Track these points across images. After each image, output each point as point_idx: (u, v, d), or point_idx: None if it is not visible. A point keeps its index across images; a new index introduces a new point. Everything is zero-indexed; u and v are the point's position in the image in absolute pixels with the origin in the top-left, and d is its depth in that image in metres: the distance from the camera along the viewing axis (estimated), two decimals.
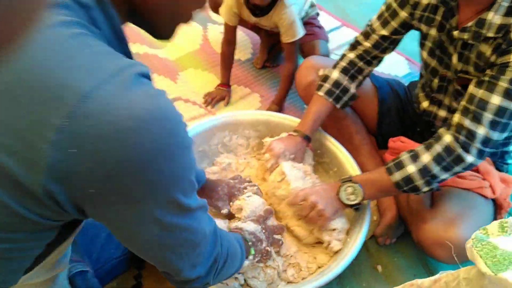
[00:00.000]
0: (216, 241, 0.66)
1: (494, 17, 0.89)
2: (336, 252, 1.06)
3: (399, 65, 1.78)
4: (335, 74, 1.18)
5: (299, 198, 1.04)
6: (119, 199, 0.47)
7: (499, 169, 1.14)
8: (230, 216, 1.10)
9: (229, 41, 1.57)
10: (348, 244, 1.04)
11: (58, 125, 0.41)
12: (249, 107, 1.59)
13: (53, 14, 0.45)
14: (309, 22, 1.61)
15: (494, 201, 1.10)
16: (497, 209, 1.11)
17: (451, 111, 1.11)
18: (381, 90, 1.32)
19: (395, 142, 1.22)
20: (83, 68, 0.43)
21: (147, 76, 0.47)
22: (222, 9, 1.51)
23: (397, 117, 1.30)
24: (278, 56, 1.78)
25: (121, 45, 0.53)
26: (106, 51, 0.46)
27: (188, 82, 1.68)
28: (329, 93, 1.17)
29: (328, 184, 1.10)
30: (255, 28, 1.65)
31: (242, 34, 1.87)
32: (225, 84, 1.63)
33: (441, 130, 0.97)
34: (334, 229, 1.06)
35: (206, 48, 1.84)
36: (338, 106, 1.19)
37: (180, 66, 1.75)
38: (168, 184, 0.49)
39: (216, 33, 1.90)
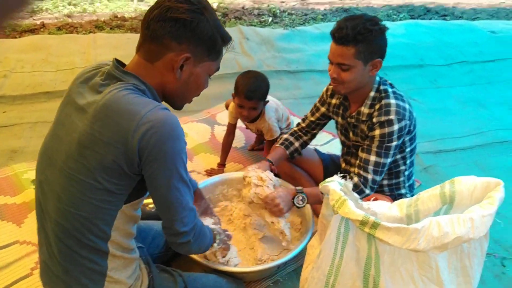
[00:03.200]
0: (195, 215, 1.20)
1: (364, 109, 1.68)
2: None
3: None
4: (286, 136, 2.01)
5: (269, 200, 1.69)
6: (158, 157, 1.03)
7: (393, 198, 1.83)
8: None
9: (229, 134, 2.35)
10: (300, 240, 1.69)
11: (134, 127, 1.03)
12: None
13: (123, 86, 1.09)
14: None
15: None
16: None
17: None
18: (324, 160, 2.10)
19: None
20: (141, 104, 1.05)
21: (167, 109, 1.11)
22: (228, 113, 2.32)
23: (333, 173, 2.04)
24: (262, 142, 2.56)
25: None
26: (150, 99, 1.10)
27: (199, 162, 2.44)
28: (283, 144, 1.98)
29: (288, 190, 1.75)
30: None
31: (238, 131, 2.68)
32: (222, 164, 2.36)
33: (352, 175, 1.69)
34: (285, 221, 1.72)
35: (213, 140, 2.65)
36: (287, 152, 1.98)
37: (194, 151, 2.53)
38: (174, 154, 1.07)
39: (220, 131, 2.71)
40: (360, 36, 1.51)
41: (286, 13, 5.54)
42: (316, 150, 2.19)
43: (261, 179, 1.74)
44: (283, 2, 6.17)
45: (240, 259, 1.62)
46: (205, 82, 1.21)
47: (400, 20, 5.54)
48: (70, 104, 1.11)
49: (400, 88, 1.75)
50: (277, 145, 2.01)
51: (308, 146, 2.10)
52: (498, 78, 3.98)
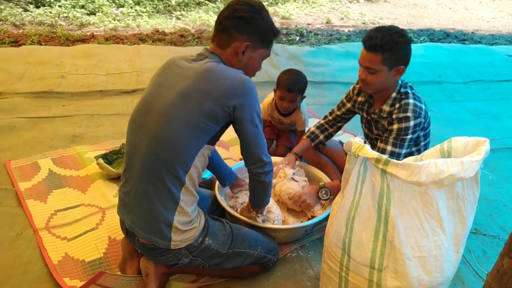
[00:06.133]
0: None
1: (386, 107, 1.97)
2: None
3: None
4: (313, 129, 2.29)
5: (297, 197, 2.01)
6: (246, 103, 1.43)
7: None
8: None
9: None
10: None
11: (227, 85, 1.41)
12: None
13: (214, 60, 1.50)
14: None
15: None
16: None
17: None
18: None
19: None
20: (230, 70, 1.46)
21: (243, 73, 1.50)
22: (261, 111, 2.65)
23: None
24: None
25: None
26: (235, 69, 1.50)
27: (234, 152, 2.77)
28: (309, 137, 2.27)
29: (312, 187, 2.07)
30: (274, 121, 2.77)
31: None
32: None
33: None
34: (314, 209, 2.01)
35: None
36: (312, 144, 2.27)
37: (230, 143, 2.86)
38: (254, 102, 1.46)
39: None
40: (387, 46, 1.76)
41: (312, 34, 5.93)
42: (340, 141, 2.48)
43: (285, 174, 2.10)
44: (309, 24, 6.58)
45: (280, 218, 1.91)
46: (259, 64, 1.62)
47: (420, 42, 5.85)
48: (168, 72, 1.51)
49: None
50: (304, 137, 2.31)
51: (333, 138, 2.40)
52: None
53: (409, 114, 1.87)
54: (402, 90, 1.95)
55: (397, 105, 1.93)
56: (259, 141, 1.53)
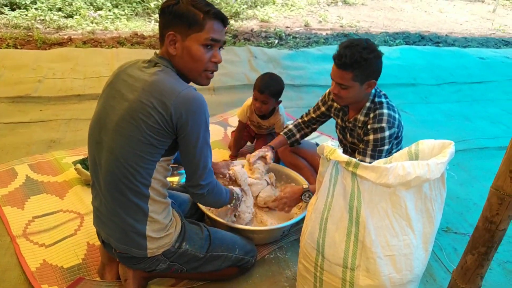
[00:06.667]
0: (212, 174, 1.53)
1: (360, 117, 2.02)
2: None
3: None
4: (290, 126, 2.34)
5: (278, 200, 2.05)
6: (188, 124, 1.40)
7: None
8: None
9: (239, 130, 2.72)
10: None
11: (172, 101, 1.38)
12: None
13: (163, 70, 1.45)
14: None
15: None
16: None
17: None
18: None
19: None
20: (177, 84, 1.41)
21: (196, 89, 1.46)
22: (239, 114, 2.68)
23: None
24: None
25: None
26: (183, 81, 1.46)
27: (215, 155, 2.78)
28: (286, 134, 2.32)
29: (296, 188, 2.08)
30: (252, 124, 2.81)
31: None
32: (234, 156, 2.73)
33: None
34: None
35: (225, 138, 3.01)
36: (288, 141, 2.32)
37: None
38: (200, 123, 1.42)
39: (229, 131, 3.07)
40: (357, 64, 1.79)
41: (291, 37, 6.00)
42: (317, 144, 2.53)
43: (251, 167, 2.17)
44: (288, 27, 6.65)
45: (251, 216, 1.95)
46: (198, 51, 1.42)
47: (396, 45, 5.98)
48: (119, 81, 1.45)
49: (393, 103, 2.08)
50: (281, 133, 2.36)
51: (310, 140, 2.45)
52: (483, 97, 4.38)
53: (384, 124, 1.91)
54: (376, 99, 1.98)
55: (371, 115, 1.97)
56: (200, 163, 1.47)
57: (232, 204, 1.82)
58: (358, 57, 1.79)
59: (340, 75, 1.86)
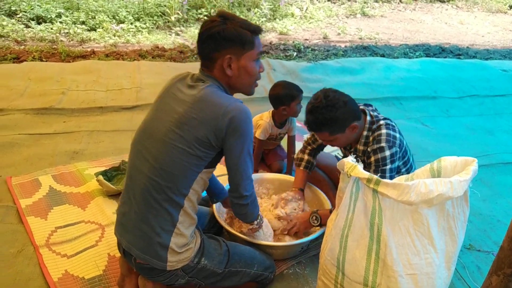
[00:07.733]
0: (253, 185, 1.63)
1: (360, 147, 1.99)
2: None
3: None
4: (307, 157, 2.28)
5: (289, 222, 2.06)
6: (235, 136, 1.46)
7: None
8: None
9: (260, 147, 2.71)
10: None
11: (220, 116, 1.45)
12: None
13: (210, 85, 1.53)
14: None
15: None
16: None
17: None
18: None
19: None
20: (225, 98, 1.50)
21: (242, 102, 1.53)
22: (259, 134, 2.64)
23: None
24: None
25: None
26: (230, 96, 1.55)
27: None
28: (306, 167, 2.27)
29: (305, 213, 2.09)
30: (271, 139, 2.80)
31: None
32: (255, 170, 2.73)
33: None
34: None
35: None
36: (309, 171, 2.27)
37: None
38: (246, 135, 1.50)
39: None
40: (323, 125, 1.82)
41: (310, 49, 6.01)
42: (336, 156, 2.52)
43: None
44: (306, 40, 6.67)
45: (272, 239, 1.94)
46: (253, 67, 1.56)
47: (416, 57, 5.93)
48: (169, 96, 1.55)
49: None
50: (301, 168, 2.28)
51: (329, 153, 2.44)
52: (506, 110, 4.29)
53: (383, 144, 1.86)
54: (374, 126, 1.94)
55: (370, 139, 1.94)
56: (244, 173, 1.55)
57: (257, 222, 1.79)
58: (321, 119, 1.80)
59: (318, 135, 1.96)
